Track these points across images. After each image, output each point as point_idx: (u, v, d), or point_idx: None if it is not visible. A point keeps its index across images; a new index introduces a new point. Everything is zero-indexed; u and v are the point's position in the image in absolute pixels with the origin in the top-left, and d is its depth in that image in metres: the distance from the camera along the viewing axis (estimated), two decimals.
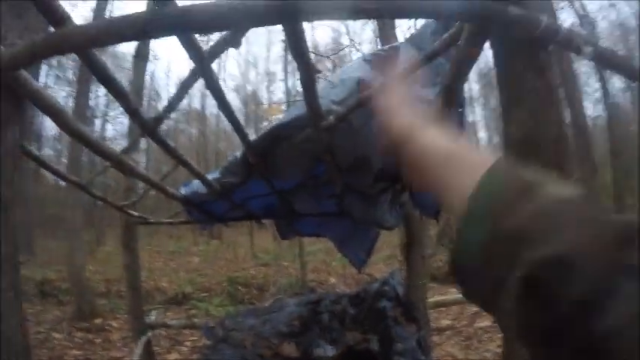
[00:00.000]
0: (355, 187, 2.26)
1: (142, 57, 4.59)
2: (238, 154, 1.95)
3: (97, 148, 1.70)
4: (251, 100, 25.91)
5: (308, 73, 1.15)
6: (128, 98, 1.23)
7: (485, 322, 7.06)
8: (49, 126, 15.26)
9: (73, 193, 8.20)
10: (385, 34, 4.97)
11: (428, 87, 1.94)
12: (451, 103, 1.81)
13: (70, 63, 15.28)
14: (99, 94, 17.99)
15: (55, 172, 2.38)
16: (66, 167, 7.97)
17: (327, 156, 1.76)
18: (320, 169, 2.19)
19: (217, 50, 1.05)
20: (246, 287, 9.31)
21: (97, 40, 0.95)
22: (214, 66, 1.17)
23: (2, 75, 1.34)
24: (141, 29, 0.88)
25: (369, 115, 1.73)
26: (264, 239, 14.76)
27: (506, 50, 1.68)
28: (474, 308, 7.65)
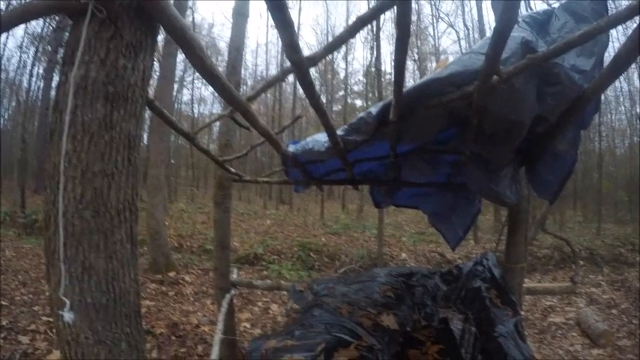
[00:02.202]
0: (484, 156, 2.09)
1: (241, 15, 4.53)
2: (373, 110, 1.83)
3: (227, 91, 1.62)
4: (328, 69, 25.65)
5: (508, 20, 1.01)
6: (292, 29, 1.12)
7: (559, 318, 6.83)
8: None
9: (156, 150, 8.35)
10: None
11: (584, 56, 1.76)
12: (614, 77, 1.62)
13: None
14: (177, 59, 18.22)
15: (168, 121, 2.37)
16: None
17: (476, 118, 1.60)
18: (449, 133, 2.04)
19: None
20: (317, 254, 9.39)
21: None
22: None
23: None
24: None
25: (531, 77, 1.57)
26: (332, 208, 14.82)
27: None
28: (548, 302, 7.41)
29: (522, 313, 3.12)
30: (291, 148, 2.59)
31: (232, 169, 3.54)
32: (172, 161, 18.76)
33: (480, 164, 2.19)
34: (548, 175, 2.44)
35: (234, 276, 4.33)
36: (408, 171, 2.85)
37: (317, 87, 1.48)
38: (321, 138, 2.32)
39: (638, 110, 17.92)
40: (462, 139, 2.01)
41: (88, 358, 1.33)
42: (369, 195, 3.86)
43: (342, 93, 25.92)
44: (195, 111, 28.26)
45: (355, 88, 28.92)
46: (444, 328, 3.05)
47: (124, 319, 1.39)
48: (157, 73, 8.91)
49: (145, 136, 12.70)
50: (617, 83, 16.98)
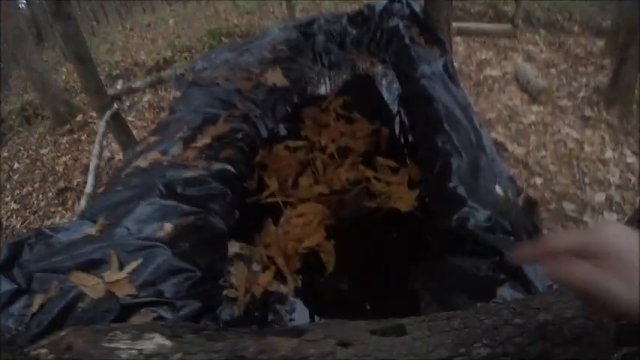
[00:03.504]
0: None
1: None
2: None
3: None
4: None
5: None
6: None
7: (496, 72, 6.54)
8: None
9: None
10: None
11: None
12: None
13: None
14: None
15: None
16: None
17: None
18: None
19: None
20: (230, 37, 8.40)
21: None
22: None
23: None
24: None
25: None
26: None
27: None
28: (483, 55, 7.05)
29: (455, 60, 2.56)
30: None
31: None
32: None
33: None
34: None
35: (118, 87, 3.57)
36: None
37: None
38: None
39: None
40: None
41: None
42: None
43: None
44: None
45: None
46: (353, 80, 2.46)
47: None
48: None
49: None
50: None
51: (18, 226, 5.00)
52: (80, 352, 0.70)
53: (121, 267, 1.15)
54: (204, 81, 2.15)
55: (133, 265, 1.14)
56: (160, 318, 1.05)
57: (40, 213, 5.14)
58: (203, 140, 1.56)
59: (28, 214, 5.19)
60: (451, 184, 1.40)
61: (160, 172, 1.46)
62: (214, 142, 1.55)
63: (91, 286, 1.11)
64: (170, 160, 1.52)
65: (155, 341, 0.71)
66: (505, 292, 1.04)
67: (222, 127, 1.63)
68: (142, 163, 1.58)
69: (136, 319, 1.06)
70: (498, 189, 1.40)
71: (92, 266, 1.15)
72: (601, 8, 10.31)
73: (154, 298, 1.08)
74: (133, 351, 0.69)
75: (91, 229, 1.29)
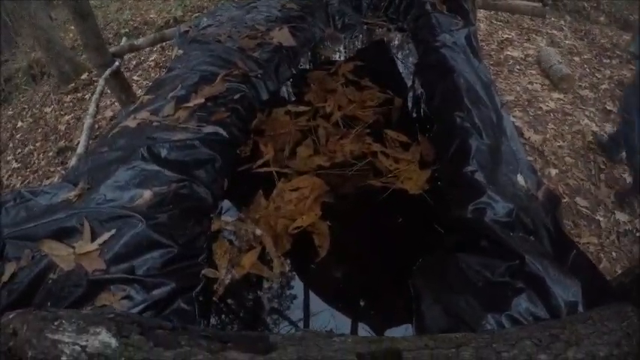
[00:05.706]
0: None
1: None
2: None
3: None
4: None
5: None
6: None
7: (517, 52, 6.22)
8: None
9: None
10: None
11: None
12: None
13: None
14: None
15: None
16: None
17: None
18: None
19: None
20: None
21: None
22: None
23: None
24: None
25: None
26: None
27: None
28: (505, 34, 6.77)
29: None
30: None
31: None
32: None
33: None
34: None
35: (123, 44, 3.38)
36: None
37: None
38: None
39: None
40: None
41: None
42: None
43: None
44: None
45: None
46: (367, 45, 2.27)
47: None
48: None
49: None
50: None
51: (18, 185, 4.92)
52: (24, 340, 0.67)
53: (94, 237, 1.04)
54: (205, 38, 1.98)
55: (105, 236, 1.01)
56: (129, 298, 0.92)
57: (40, 172, 5.03)
58: (196, 100, 1.40)
59: (28, 174, 5.10)
60: (468, 168, 1.22)
61: (147, 133, 1.31)
62: (208, 102, 1.39)
63: (63, 256, 1.03)
64: (159, 121, 1.37)
65: (100, 338, 0.64)
66: (521, 303, 0.88)
67: (219, 86, 1.46)
68: (131, 122, 1.43)
69: (104, 297, 0.95)
70: (520, 179, 1.21)
71: (65, 234, 1.05)
72: (629, 1, 9.99)
73: (124, 275, 0.95)
74: (77, 347, 0.65)
75: (70, 194, 1.18)
